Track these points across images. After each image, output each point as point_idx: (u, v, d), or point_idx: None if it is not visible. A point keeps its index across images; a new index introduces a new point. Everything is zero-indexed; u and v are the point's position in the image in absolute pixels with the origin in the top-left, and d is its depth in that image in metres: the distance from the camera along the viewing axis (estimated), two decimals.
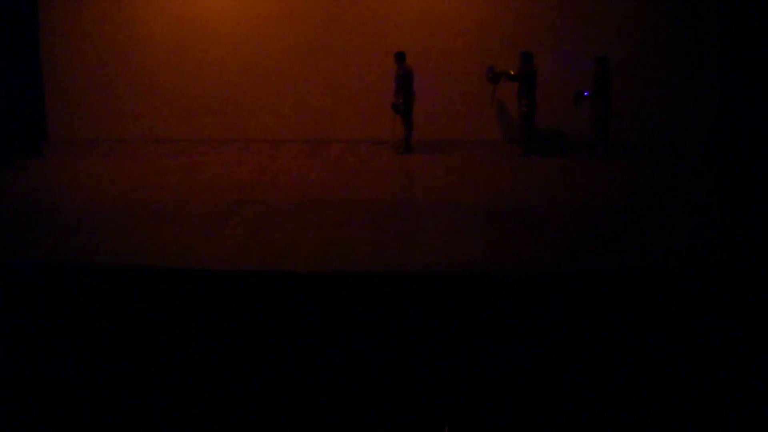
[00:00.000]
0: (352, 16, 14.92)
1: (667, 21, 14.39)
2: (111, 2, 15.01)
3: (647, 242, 9.48)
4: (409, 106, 13.92)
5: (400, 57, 13.83)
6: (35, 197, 11.60)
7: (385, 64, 14.03)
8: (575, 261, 8.98)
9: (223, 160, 13.63)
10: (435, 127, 14.65)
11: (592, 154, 13.71)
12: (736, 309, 7.68)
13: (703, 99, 13.92)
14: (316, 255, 9.14)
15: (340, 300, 7.99)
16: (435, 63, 14.67)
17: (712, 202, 11.01)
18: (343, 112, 15.05)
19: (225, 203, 11.10)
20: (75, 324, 7.60)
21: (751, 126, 12.57)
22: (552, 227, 10.12)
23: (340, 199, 11.32)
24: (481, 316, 7.71)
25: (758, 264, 8.64)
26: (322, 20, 14.95)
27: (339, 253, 9.20)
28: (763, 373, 6.70)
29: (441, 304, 7.90)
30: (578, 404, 6.42)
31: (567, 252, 9.23)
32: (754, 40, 12.60)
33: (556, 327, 7.49)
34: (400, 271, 8.63)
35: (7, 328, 7.47)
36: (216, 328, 7.53)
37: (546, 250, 9.31)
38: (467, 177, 12.58)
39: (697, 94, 14.09)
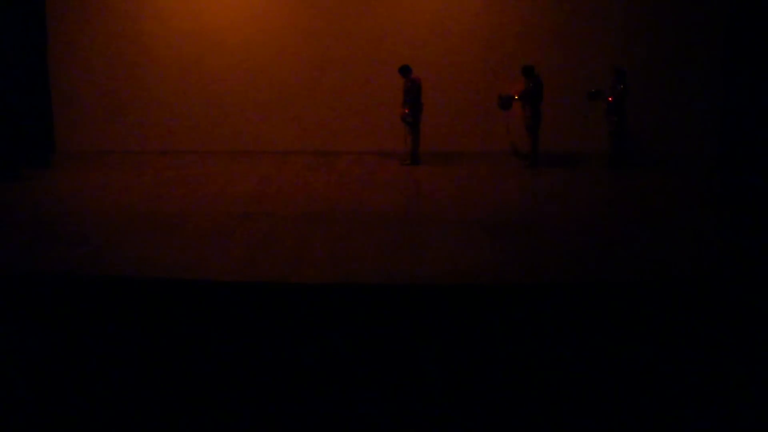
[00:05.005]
0: (359, 28, 14.97)
1: (674, 32, 14.40)
2: (119, 14, 15.10)
3: (655, 253, 9.44)
4: (416, 117, 13.94)
5: (405, 70, 13.85)
6: (42, 208, 11.62)
7: (392, 76, 14.06)
8: (583, 272, 8.94)
9: (230, 172, 13.65)
10: (441, 138, 14.66)
11: (603, 165, 13.68)
12: (744, 320, 7.64)
13: (710, 109, 13.91)
14: (322, 267, 9.13)
15: (346, 312, 7.97)
16: (442, 75, 14.70)
17: (720, 213, 10.97)
18: (350, 123, 15.08)
19: (232, 215, 11.10)
20: (80, 335, 7.59)
21: (758, 135, 12.55)
22: (559, 238, 10.09)
23: (347, 211, 11.31)
24: (489, 327, 7.68)
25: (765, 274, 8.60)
26: (329, 33, 15.01)
27: (346, 265, 9.18)
28: None
29: (448, 316, 7.87)
30: (583, 415, 6.39)
31: (574, 263, 9.20)
32: (761, 49, 12.59)
33: (563, 338, 7.45)
34: (407, 282, 8.61)
35: (12, 339, 7.47)
36: (222, 339, 7.51)
37: (553, 261, 9.27)
38: (474, 188, 12.57)
39: (704, 104, 14.10)
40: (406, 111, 13.86)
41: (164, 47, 15.14)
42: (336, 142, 15.07)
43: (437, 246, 9.94)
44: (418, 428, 6.29)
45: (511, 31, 14.72)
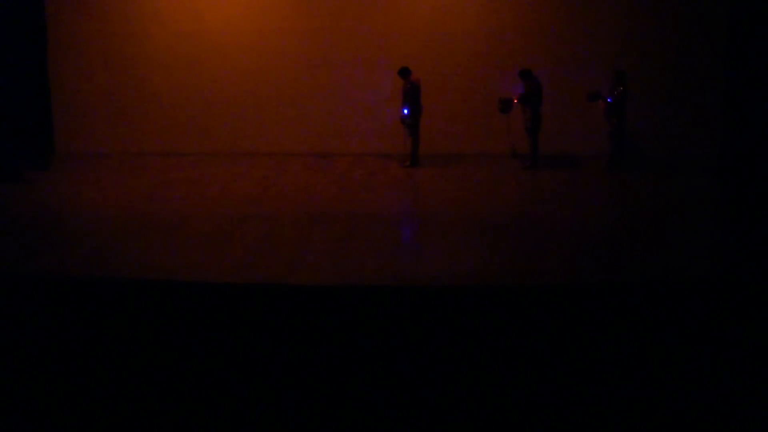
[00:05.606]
0: (359, 30, 14.95)
1: (674, 32, 14.38)
2: (118, 16, 15.08)
3: (653, 255, 9.44)
4: (415, 119, 13.93)
5: (404, 72, 13.85)
6: (42, 210, 11.61)
7: (391, 77, 14.05)
8: (581, 274, 8.94)
9: (230, 174, 13.64)
10: (441, 140, 14.64)
11: (602, 166, 13.65)
12: (744, 322, 7.64)
13: (710, 110, 13.90)
14: (322, 268, 9.13)
15: (346, 313, 7.97)
16: (442, 76, 14.68)
17: (719, 215, 10.96)
18: (350, 125, 15.06)
19: (231, 216, 11.10)
20: (80, 337, 7.59)
21: (758, 136, 12.54)
22: (558, 240, 10.09)
23: (346, 213, 11.31)
24: (488, 329, 7.68)
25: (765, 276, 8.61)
26: (329, 34, 14.99)
27: (345, 267, 9.18)
28: None
29: (447, 318, 7.87)
30: (583, 417, 6.39)
31: (573, 265, 9.20)
32: (762, 50, 12.58)
33: (562, 340, 7.45)
34: (406, 284, 8.61)
35: (12, 341, 7.46)
36: (222, 341, 7.51)
37: (552, 263, 9.27)
38: (473, 190, 12.55)
39: (704, 105, 14.08)
40: (406, 113, 13.86)
41: (164, 48, 15.13)
42: (336, 144, 15.06)
43: (437, 247, 9.94)
44: (419, 428, 6.28)
45: (510, 32, 14.69)
